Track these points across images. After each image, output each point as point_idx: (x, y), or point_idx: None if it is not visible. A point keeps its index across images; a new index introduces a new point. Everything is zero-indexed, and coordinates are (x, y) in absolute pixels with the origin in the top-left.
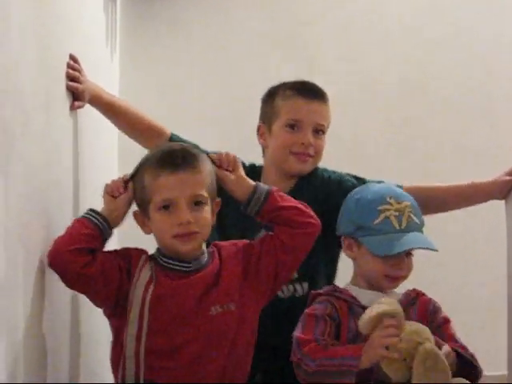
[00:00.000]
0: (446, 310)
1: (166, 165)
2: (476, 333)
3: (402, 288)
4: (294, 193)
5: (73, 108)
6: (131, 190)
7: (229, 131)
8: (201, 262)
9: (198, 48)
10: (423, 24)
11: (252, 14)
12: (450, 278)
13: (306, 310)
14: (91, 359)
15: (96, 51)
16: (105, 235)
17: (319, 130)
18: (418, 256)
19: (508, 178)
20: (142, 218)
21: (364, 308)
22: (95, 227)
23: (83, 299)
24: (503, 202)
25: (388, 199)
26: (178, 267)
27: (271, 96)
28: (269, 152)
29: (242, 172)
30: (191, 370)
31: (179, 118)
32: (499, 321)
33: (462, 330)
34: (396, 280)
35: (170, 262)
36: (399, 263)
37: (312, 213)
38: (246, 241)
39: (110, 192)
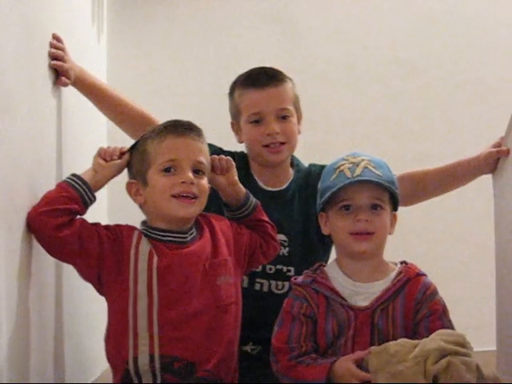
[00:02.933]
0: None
1: (172, 129)
2: (465, 309)
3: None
4: (285, 192)
5: (59, 83)
6: (125, 161)
7: (218, 115)
8: (193, 233)
9: (189, 29)
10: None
11: None
12: (439, 254)
13: (284, 304)
14: (76, 334)
15: (82, 31)
16: (84, 198)
17: (283, 115)
18: (408, 233)
19: (492, 149)
20: (137, 187)
21: (343, 304)
22: (73, 189)
23: (68, 275)
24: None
25: (345, 157)
26: (174, 238)
27: (231, 93)
28: (246, 149)
29: (235, 177)
30: (205, 339)
31: (168, 102)
32: (488, 297)
33: (451, 306)
34: (361, 236)
35: (166, 234)
36: (357, 214)
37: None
38: (239, 225)
39: (103, 155)
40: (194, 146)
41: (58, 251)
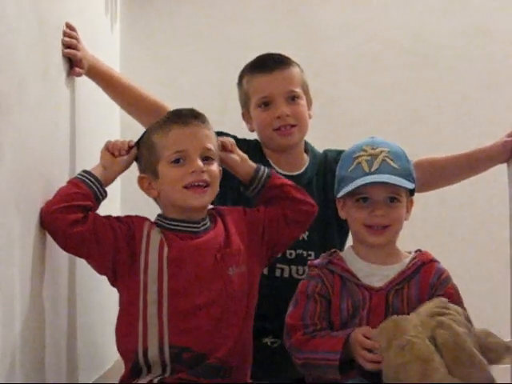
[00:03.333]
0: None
1: (176, 119)
2: (479, 301)
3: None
4: (302, 176)
5: (73, 74)
6: (133, 155)
7: (230, 106)
8: (207, 223)
9: (202, 20)
10: None
11: None
12: (452, 245)
13: (299, 285)
14: (89, 325)
15: (95, 21)
16: (97, 194)
17: (293, 97)
18: (421, 224)
19: (508, 138)
20: (149, 181)
21: (358, 284)
22: (86, 186)
23: (81, 268)
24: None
25: (364, 147)
26: (187, 228)
27: (239, 82)
28: (258, 135)
29: (242, 153)
30: (214, 330)
31: (181, 92)
32: (503, 288)
33: (465, 298)
34: (377, 231)
35: (179, 224)
36: (374, 209)
37: (307, 195)
38: (246, 208)
39: (111, 149)
40: (200, 133)
41: (74, 247)
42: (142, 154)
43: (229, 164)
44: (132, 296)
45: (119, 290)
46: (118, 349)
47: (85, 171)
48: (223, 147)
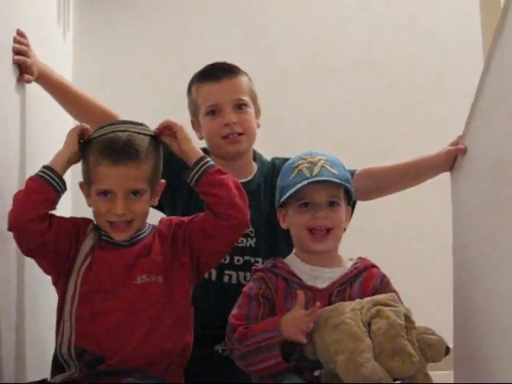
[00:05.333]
0: (395, 283)
1: (107, 156)
2: (422, 309)
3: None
4: (250, 183)
5: (22, 80)
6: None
7: (182, 116)
8: (136, 237)
9: (155, 30)
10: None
11: None
12: (396, 253)
13: (244, 288)
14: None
15: (47, 29)
16: (60, 195)
17: (240, 105)
18: (365, 232)
19: (450, 147)
20: (87, 191)
21: (302, 285)
22: (52, 189)
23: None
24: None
25: (303, 156)
26: (112, 240)
27: (189, 91)
28: (206, 143)
29: (186, 134)
30: (113, 336)
31: (132, 101)
32: (445, 297)
33: (408, 305)
34: (320, 237)
35: (106, 235)
36: (316, 212)
37: (240, 205)
38: (183, 218)
39: (79, 137)
40: (129, 174)
41: (35, 252)
42: (82, 165)
43: (172, 148)
44: (61, 296)
45: (56, 290)
46: None
47: (47, 168)
48: (160, 134)
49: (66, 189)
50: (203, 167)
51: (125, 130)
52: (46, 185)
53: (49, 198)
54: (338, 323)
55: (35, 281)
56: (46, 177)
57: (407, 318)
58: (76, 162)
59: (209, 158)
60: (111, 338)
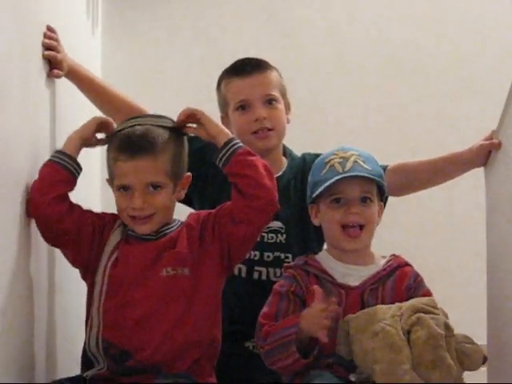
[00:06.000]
0: (427, 282)
1: (123, 151)
2: (455, 304)
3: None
4: (280, 179)
5: (51, 75)
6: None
7: (210, 111)
8: (162, 231)
9: (184, 24)
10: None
11: None
12: (429, 248)
13: (274, 286)
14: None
15: (76, 24)
16: (76, 178)
17: (270, 100)
18: (398, 227)
19: (484, 142)
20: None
21: (334, 283)
22: (65, 170)
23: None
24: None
25: (335, 152)
26: (137, 235)
27: (218, 86)
28: (236, 138)
29: (210, 117)
30: (140, 329)
31: (161, 96)
32: (479, 292)
33: (441, 301)
34: (353, 233)
35: (131, 230)
36: (349, 207)
37: (269, 185)
38: (211, 210)
39: (99, 127)
40: (146, 168)
41: (56, 240)
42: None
43: (200, 135)
44: (89, 291)
45: (87, 284)
46: None
47: (61, 152)
48: (181, 125)
49: (80, 169)
50: (232, 148)
51: (143, 124)
52: (58, 166)
53: (62, 178)
54: (378, 330)
55: (65, 276)
56: (56, 159)
57: (447, 326)
58: (89, 146)
59: (238, 140)
60: (138, 331)
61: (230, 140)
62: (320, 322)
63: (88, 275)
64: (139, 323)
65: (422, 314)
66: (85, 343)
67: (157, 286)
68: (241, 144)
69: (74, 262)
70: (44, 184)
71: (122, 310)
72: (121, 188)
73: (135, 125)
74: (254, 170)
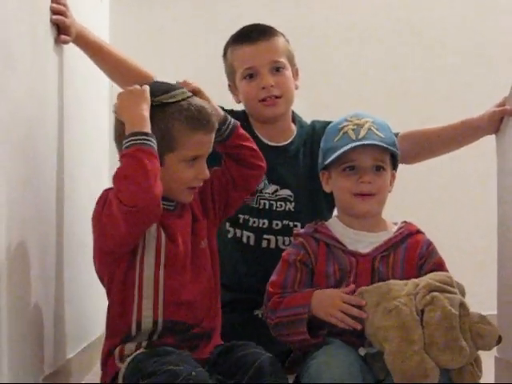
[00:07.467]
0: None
1: (201, 127)
2: (466, 273)
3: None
4: (289, 147)
5: (59, 41)
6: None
7: (219, 78)
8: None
9: None
10: None
11: None
12: (439, 217)
13: (283, 254)
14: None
15: None
16: None
17: (277, 67)
18: (408, 196)
19: (496, 109)
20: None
21: (345, 251)
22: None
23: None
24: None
25: (349, 118)
26: (166, 206)
27: (224, 54)
28: (244, 106)
29: (206, 97)
30: (200, 303)
31: (169, 62)
32: (489, 261)
33: (452, 270)
34: (366, 198)
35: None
36: (361, 176)
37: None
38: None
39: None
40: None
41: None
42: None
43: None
44: (128, 276)
45: (112, 270)
46: (108, 325)
47: (148, 134)
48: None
49: None
50: (232, 122)
51: (187, 97)
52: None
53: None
54: (392, 308)
55: (73, 254)
56: (152, 144)
57: (462, 305)
58: None
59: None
60: (199, 306)
61: (226, 115)
62: (332, 311)
63: (122, 260)
64: (201, 297)
65: (437, 294)
66: (128, 328)
67: (201, 259)
68: (234, 120)
69: (120, 248)
70: (154, 178)
71: (186, 286)
72: (190, 159)
73: (185, 98)
74: (254, 143)
